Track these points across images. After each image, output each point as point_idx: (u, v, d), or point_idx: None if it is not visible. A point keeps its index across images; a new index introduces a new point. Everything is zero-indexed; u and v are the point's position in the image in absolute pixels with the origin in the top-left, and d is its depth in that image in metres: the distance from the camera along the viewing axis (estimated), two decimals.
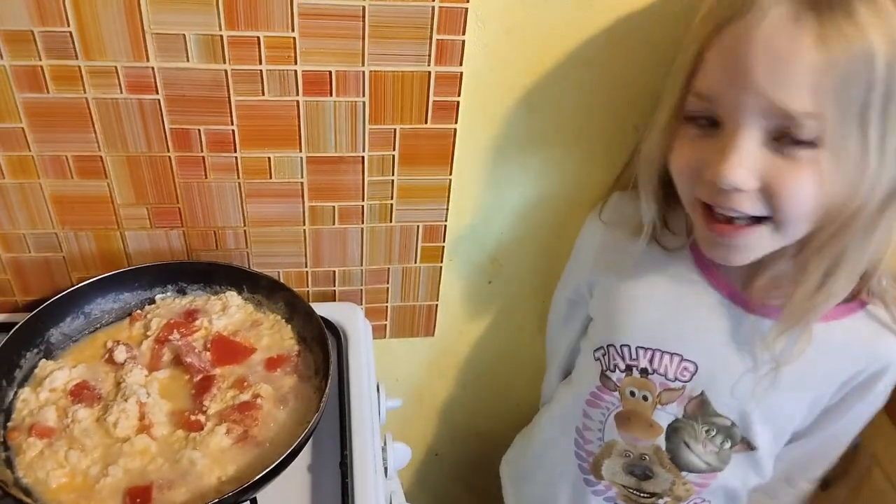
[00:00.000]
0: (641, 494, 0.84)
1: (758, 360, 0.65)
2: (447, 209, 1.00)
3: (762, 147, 0.50)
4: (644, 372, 0.78)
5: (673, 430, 0.75)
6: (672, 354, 0.70)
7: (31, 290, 0.97)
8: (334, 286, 1.05)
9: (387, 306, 1.09)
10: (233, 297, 0.94)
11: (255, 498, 0.76)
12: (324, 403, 0.80)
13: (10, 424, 0.80)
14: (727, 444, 0.73)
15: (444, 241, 1.03)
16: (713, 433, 0.72)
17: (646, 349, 0.76)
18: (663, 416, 0.77)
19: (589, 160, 0.98)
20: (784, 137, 0.48)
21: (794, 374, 0.65)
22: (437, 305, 1.10)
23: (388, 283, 1.06)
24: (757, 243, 0.55)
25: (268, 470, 0.73)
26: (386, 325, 1.12)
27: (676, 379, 0.71)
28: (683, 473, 0.78)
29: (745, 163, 0.50)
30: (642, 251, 0.77)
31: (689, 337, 0.69)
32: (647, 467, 0.81)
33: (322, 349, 0.88)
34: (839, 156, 0.48)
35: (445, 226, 1.01)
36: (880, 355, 0.64)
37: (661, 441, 0.77)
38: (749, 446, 0.72)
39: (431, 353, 1.18)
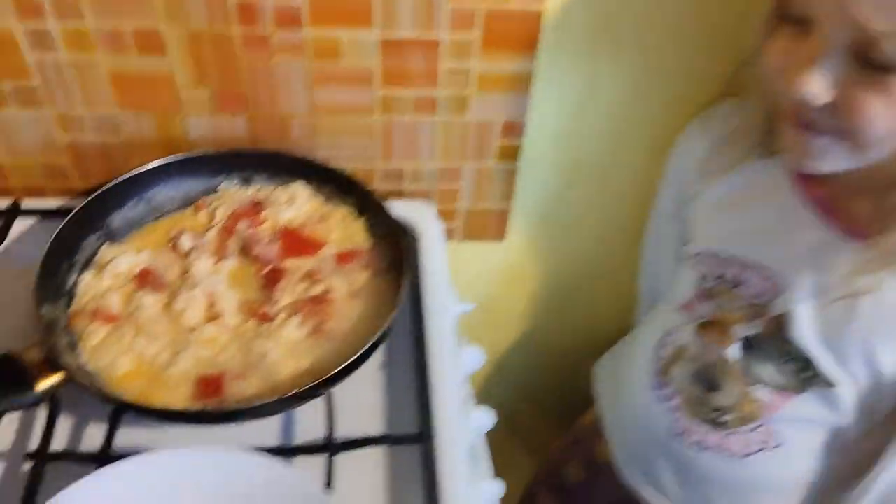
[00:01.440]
0: (705, 407, 0.78)
1: (842, 289, 0.62)
2: (529, 103, 0.92)
3: (845, 64, 0.47)
4: (732, 283, 0.72)
5: (748, 344, 0.70)
6: (760, 268, 0.67)
7: (90, 176, 0.92)
8: (403, 184, 0.99)
9: (457, 207, 1.03)
10: (300, 189, 0.89)
11: (330, 393, 0.72)
12: (402, 296, 0.75)
13: (72, 309, 0.76)
14: (804, 374, 0.68)
15: (523, 139, 0.95)
16: (788, 357, 0.68)
17: (735, 259, 0.71)
18: (743, 330, 0.71)
19: (691, 56, 0.89)
20: (869, 57, 0.46)
21: (880, 314, 0.59)
22: (510, 209, 1.04)
23: (460, 182, 0.99)
24: (831, 153, 0.53)
25: (347, 363, 0.68)
26: (456, 227, 1.06)
27: (761, 294, 0.67)
28: (753, 388, 0.72)
29: (821, 77, 0.48)
30: (744, 162, 0.71)
31: (780, 255, 0.66)
32: (715, 376, 0.75)
33: (396, 244, 0.82)
34: None
35: (526, 122, 0.93)
36: None
37: (735, 351, 0.71)
38: (827, 383, 0.67)
39: (502, 260, 1.12)
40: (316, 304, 0.77)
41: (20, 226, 0.88)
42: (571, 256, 1.13)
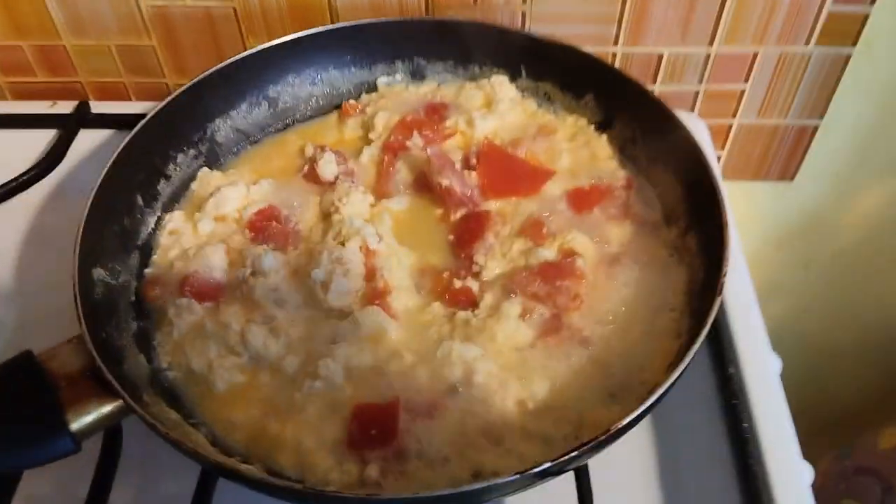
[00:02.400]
0: None
1: None
2: None
3: None
4: None
5: None
6: None
7: (189, 68, 0.63)
8: (654, 82, 0.63)
9: (731, 124, 0.66)
10: (503, 86, 0.55)
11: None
12: (723, 275, 0.39)
13: (149, 272, 0.46)
14: None
15: (873, 3, 0.56)
16: None
17: None
18: None
19: None
20: None
21: None
22: (816, 128, 0.66)
23: (746, 80, 0.62)
24: None
25: (638, 412, 0.34)
26: (720, 155, 0.69)
27: None
28: None
29: None
30: None
31: None
32: None
33: (678, 175, 0.47)
34: None
35: None
36: None
37: None
38: None
39: (782, 211, 0.76)
40: (552, 279, 0.43)
41: (88, 139, 0.59)
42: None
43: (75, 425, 0.36)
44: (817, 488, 0.88)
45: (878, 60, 0.62)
